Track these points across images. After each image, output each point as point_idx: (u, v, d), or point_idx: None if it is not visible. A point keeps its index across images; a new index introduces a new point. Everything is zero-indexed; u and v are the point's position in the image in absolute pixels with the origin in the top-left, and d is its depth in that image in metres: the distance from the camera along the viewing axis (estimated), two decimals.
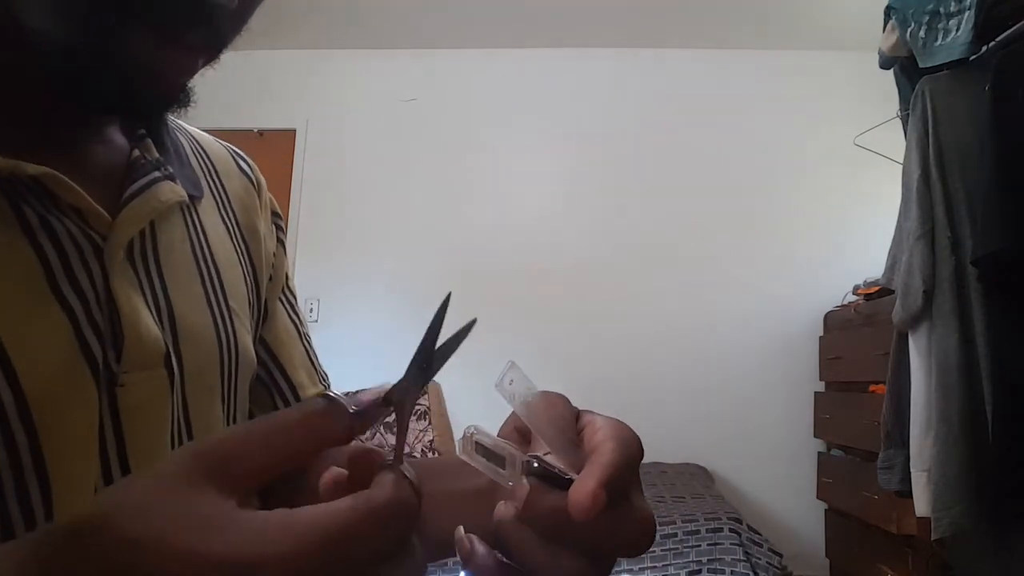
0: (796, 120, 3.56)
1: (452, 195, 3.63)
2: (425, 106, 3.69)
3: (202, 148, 0.56)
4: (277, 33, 3.62)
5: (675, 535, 2.21)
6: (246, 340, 0.52)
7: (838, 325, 3.15)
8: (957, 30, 1.79)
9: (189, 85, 0.43)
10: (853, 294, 3.06)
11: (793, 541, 3.12)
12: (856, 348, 2.83)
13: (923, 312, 1.77)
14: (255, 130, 3.69)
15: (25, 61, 0.38)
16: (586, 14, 3.39)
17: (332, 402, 0.28)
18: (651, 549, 2.21)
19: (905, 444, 1.87)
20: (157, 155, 0.47)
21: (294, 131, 3.75)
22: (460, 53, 3.73)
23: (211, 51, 0.41)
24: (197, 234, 0.49)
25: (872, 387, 2.57)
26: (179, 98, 0.42)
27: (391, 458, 0.28)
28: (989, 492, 1.62)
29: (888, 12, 2.05)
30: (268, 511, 0.24)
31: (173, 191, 0.46)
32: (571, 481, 0.29)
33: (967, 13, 1.76)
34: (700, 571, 2.16)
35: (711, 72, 3.66)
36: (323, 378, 0.61)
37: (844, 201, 3.46)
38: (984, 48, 1.77)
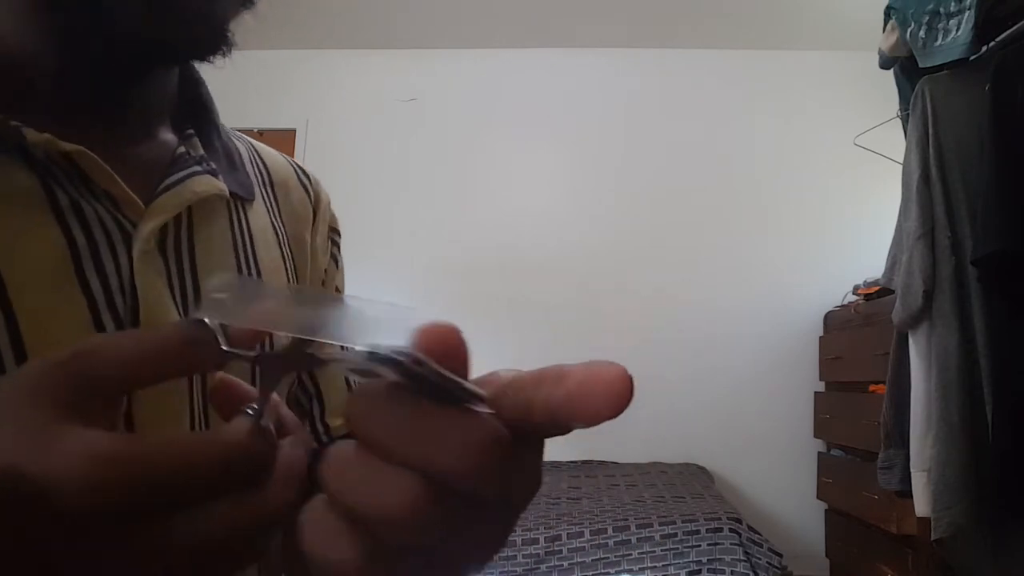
0: (796, 120, 3.56)
1: (452, 195, 3.63)
2: (425, 106, 3.69)
3: (260, 158, 0.56)
4: (277, 33, 3.62)
5: (675, 535, 2.21)
6: None
7: (838, 325, 3.15)
8: (957, 30, 1.79)
9: (228, 26, 0.42)
10: (853, 294, 3.06)
11: (793, 541, 3.12)
12: (856, 348, 2.83)
13: (923, 312, 1.77)
14: (255, 130, 3.69)
15: (71, 26, 0.39)
16: (586, 14, 3.39)
17: (202, 330, 0.25)
18: (651, 549, 2.22)
19: (905, 444, 1.87)
20: (202, 152, 0.47)
21: (294, 131, 3.75)
22: (460, 53, 3.73)
23: None
24: (241, 233, 0.49)
25: (872, 387, 2.57)
26: (213, 35, 0.41)
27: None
28: (989, 492, 1.62)
29: (888, 12, 2.05)
30: (107, 433, 0.22)
31: (211, 184, 0.45)
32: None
33: (967, 13, 1.76)
34: (700, 571, 2.16)
35: (711, 72, 3.66)
36: None
37: (844, 201, 3.46)
38: (984, 48, 1.77)
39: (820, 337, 3.31)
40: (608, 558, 2.20)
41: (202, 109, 0.50)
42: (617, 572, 2.18)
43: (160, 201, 0.42)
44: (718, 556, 2.17)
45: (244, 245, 0.48)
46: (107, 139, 0.42)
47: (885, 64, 2.17)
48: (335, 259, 0.60)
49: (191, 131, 0.48)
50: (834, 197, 3.48)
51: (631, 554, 2.20)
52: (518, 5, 3.34)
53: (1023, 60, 1.61)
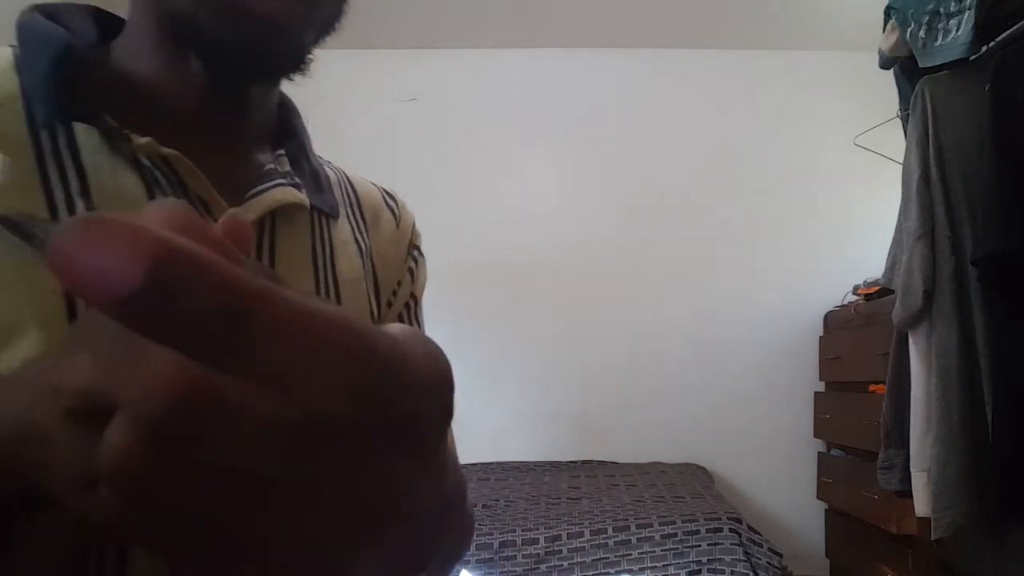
0: (796, 120, 3.56)
1: (452, 195, 3.63)
2: (425, 106, 3.69)
3: (351, 184, 0.62)
4: None
5: (675, 535, 2.21)
6: None
7: (838, 325, 3.15)
8: (957, 30, 1.79)
9: (306, 45, 0.47)
10: (853, 294, 3.06)
11: (793, 541, 3.12)
12: (856, 348, 2.83)
13: (923, 312, 1.77)
14: None
15: (174, 52, 0.46)
16: (587, 14, 3.38)
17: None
18: (651, 549, 2.22)
19: (905, 444, 1.87)
20: (288, 169, 0.52)
21: None
22: (460, 53, 3.72)
23: None
24: (322, 244, 0.53)
25: (872, 387, 2.57)
26: (299, 59, 0.46)
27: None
28: (989, 492, 1.62)
29: (888, 12, 2.05)
30: None
31: (292, 194, 0.50)
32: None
33: (967, 13, 1.76)
34: (700, 571, 2.16)
35: (711, 72, 3.66)
36: None
37: (844, 201, 3.46)
38: (984, 48, 1.77)
39: (820, 337, 3.30)
40: (608, 558, 2.20)
41: (294, 135, 0.57)
42: (617, 572, 2.18)
43: (246, 206, 0.47)
44: (718, 556, 2.17)
45: (324, 255, 0.53)
46: (207, 152, 0.47)
47: (885, 64, 2.17)
48: (411, 271, 0.64)
49: (282, 152, 0.53)
50: (834, 197, 3.48)
51: (631, 554, 2.20)
52: (518, 5, 3.34)
53: (1023, 60, 1.61)
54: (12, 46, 0.46)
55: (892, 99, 2.23)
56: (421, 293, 0.65)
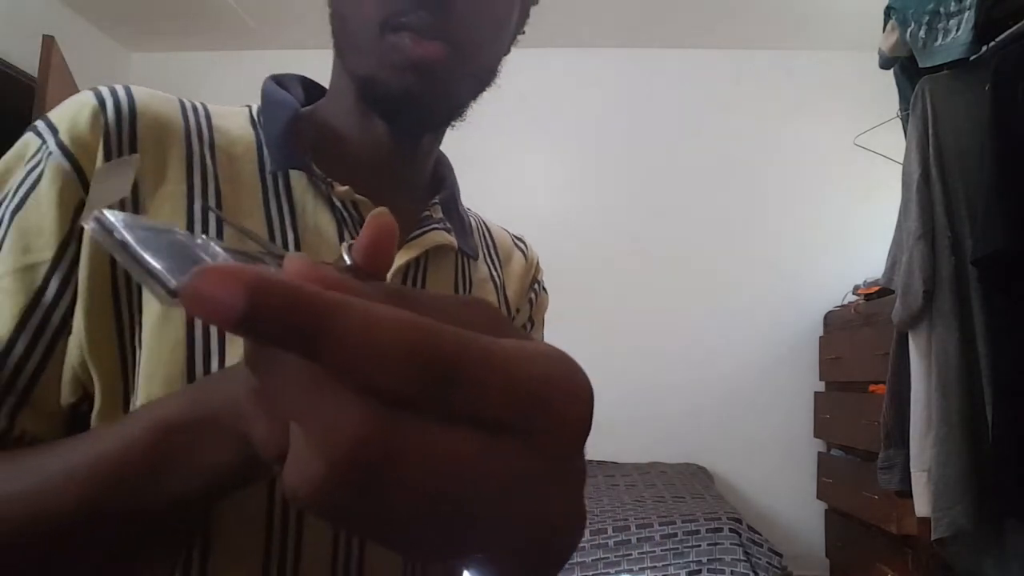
0: (796, 120, 3.56)
1: None
2: None
3: (487, 228, 0.73)
4: (277, 33, 3.62)
5: (675, 535, 2.21)
6: None
7: (838, 325, 3.15)
8: (957, 30, 1.79)
9: (462, 94, 0.55)
10: (853, 294, 3.06)
11: (793, 541, 3.12)
12: (856, 348, 2.83)
13: (923, 312, 1.77)
14: None
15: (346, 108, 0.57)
16: (586, 14, 3.38)
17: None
18: (651, 549, 2.22)
19: (905, 444, 1.87)
20: (441, 216, 0.61)
21: None
22: None
23: (436, 34, 0.49)
24: (464, 280, 0.63)
25: (872, 387, 2.57)
26: (447, 97, 0.54)
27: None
28: (989, 492, 1.62)
29: (888, 12, 2.05)
30: None
31: (445, 237, 0.59)
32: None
33: (967, 13, 1.76)
34: (700, 571, 2.16)
35: (711, 72, 3.66)
36: None
37: (844, 201, 3.46)
38: (984, 48, 1.77)
39: (820, 337, 3.30)
40: (608, 558, 2.20)
41: (446, 186, 0.65)
42: (617, 572, 2.18)
43: (408, 245, 0.56)
44: (718, 556, 2.17)
45: (464, 289, 0.62)
46: (384, 196, 0.54)
47: (885, 64, 2.17)
48: (531, 300, 0.72)
49: (436, 201, 0.62)
50: (834, 197, 3.48)
51: (631, 554, 2.20)
52: None
53: (1023, 60, 1.61)
54: (248, 106, 0.58)
55: (892, 99, 2.23)
56: (541, 316, 0.74)
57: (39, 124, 0.48)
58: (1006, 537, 1.65)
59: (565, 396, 0.19)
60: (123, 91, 0.49)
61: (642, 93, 3.68)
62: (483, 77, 0.57)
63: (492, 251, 0.71)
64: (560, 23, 3.47)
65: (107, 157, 0.47)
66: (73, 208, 0.46)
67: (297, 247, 0.51)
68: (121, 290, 0.46)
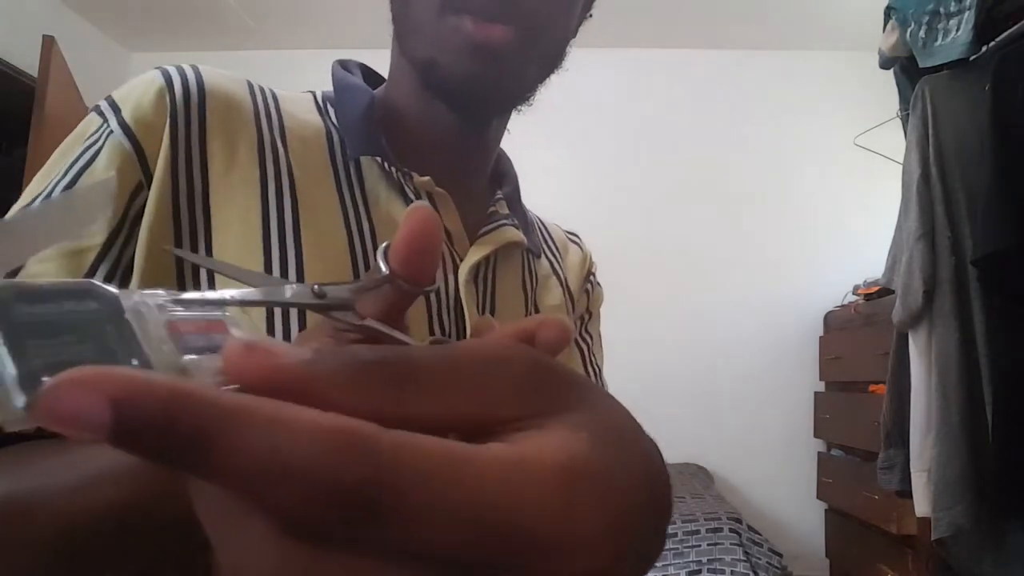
0: (796, 120, 3.56)
1: None
2: None
3: (545, 226, 0.72)
4: (277, 33, 3.62)
5: (675, 535, 2.21)
6: None
7: (838, 325, 3.15)
8: (957, 30, 1.79)
9: (528, 77, 0.52)
10: (853, 294, 3.06)
11: (793, 541, 3.12)
12: (856, 348, 2.83)
13: (923, 312, 1.76)
14: None
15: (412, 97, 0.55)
16: None
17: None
18: None
19: (905, 444, 1.86)
20: (507, 211, 0.60)
21: None
22: None
23: (499, 15, 0.47)
24: (530, 276, 0.61)
25: (872, 387, 2.57)
26: (513, 80, 0.51)
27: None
28: (989, 492, 1.62)
29: (888, 12, 2.05)
30: None
31: (515, 234, 0.59)
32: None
33: (967, 13, 1.76)
34: (700, 571, 2.16)
35: (711, 72, 3.66)
36: None
37: (844, 201, 3.46)
38: (984, 48, 1.77)
39: (820, 337, 3.30)
40: None
41: (509, 180, 0.65)
42: None
43: (479, 242, 0.55)
44: (718, 556, 2.17)
45: (531, 286, 0.61)
46: (453, 188, 0.54)
47: (885, 64, 2.17)
48: (587, 292, 0.71)
49: (500, 196, 0.61)
50: (834, 197, 3.48)
51: None
52: None
53: (1023, 60, 1.61)
54: (311, 91, 0.56)
55: (892, 99, 2.23)
56: (597, 308, 0.73)
57: (102, 103, 0.46)
58: (1006, 537, 1.65)
59: (558, 541, 0.14)
60: (191, 70, 0.47)
61: (642, 93, 3.68)
62: (549, 61, 0.54)
63: (553, 246, 0.70)
64: None
65: (173, 138, 0.45)
66: (130, 192, 0.43)
67: (374, 240, 0.49)
68: (188, 284, 0.44)
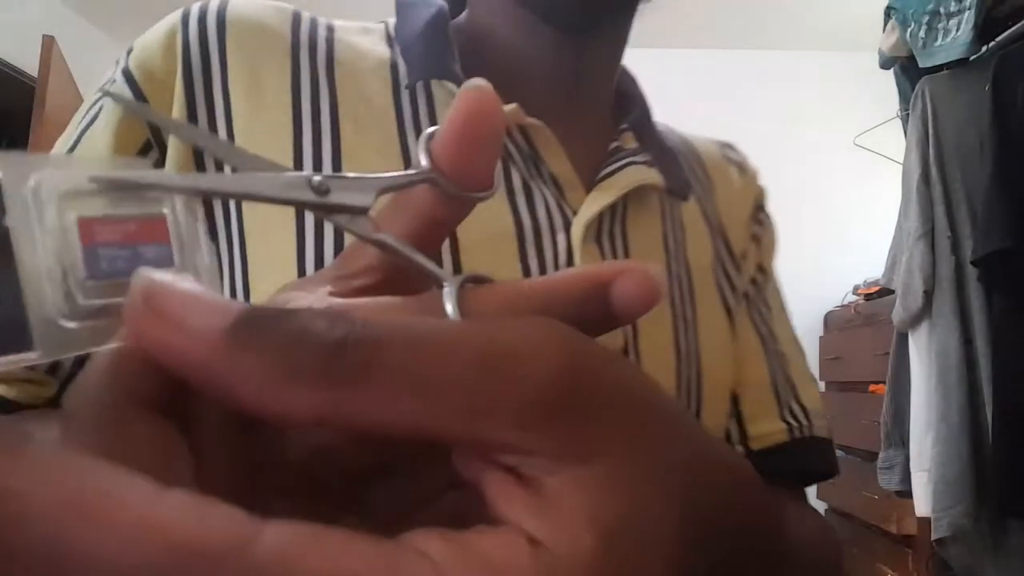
0: (796, 120, 3.56)
1: None
2: None
3: (695, 150, 0.56)
4: None
5: None
6: (712, 354, 0.47)
7: (838, 325, 3.15)
8: (957, 30, 1.79)
9: None
10: (853, 294, 3.06)
11: None
12: (856, 348, 2.83)
13: (923, 312, 1.77)
14: None
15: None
16: None
17: None
18: None
19: (905, 444, 1.87)
20: (636, 145, 0.47)
21: None
22: None
23: None
24: (673, 228, 0.48)
25: (872, 387, 2.57)
26: None
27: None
28: (989, 492, 1.62)
29: (888, 12, 2.05)
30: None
31: (647, 174, 0.45)
32: None
33: (967, 13, 1.76)
34: None
35: (711, 72, 3.66)
36: (791, 409, 0.52)
37: (844, 201, 3.46)
38: (984, 48, 1.77)
39: (820, 337, 3.30)
40: None
41: (637, 106, 0.53)
42: None
43: (600, 187, 0.43)
44: None
45: (674, 240, 0.47)
46: (558, 122, 0.43)
47: (885, 64, 2.17)
48: (754, 237, 0.54)
49: (625, 127, 0.49)
50: (834, 197, 3.47)
51: None
52: None
53: (1023, 60, 1.61)
54: (384, 21, 0.46)
55: (892, 99, 2.23)
56: (770, 260, 0.56)
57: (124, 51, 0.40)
58: (1006, 537, 1.65)
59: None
60: (216, 3, 0.40)
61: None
62: None
63: (702, 175, 0.53)
64: None
65: (186, 81, 0.38)
66: (136, 148, 0.38)
67: None
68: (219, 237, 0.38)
